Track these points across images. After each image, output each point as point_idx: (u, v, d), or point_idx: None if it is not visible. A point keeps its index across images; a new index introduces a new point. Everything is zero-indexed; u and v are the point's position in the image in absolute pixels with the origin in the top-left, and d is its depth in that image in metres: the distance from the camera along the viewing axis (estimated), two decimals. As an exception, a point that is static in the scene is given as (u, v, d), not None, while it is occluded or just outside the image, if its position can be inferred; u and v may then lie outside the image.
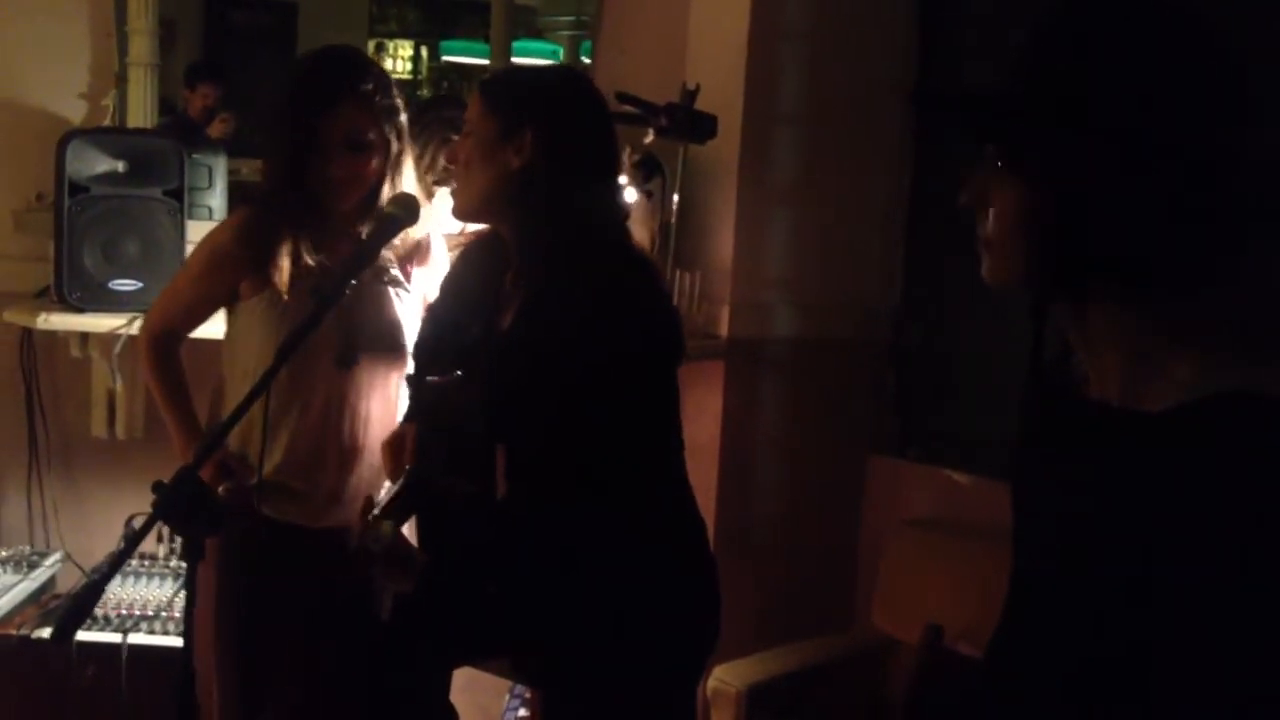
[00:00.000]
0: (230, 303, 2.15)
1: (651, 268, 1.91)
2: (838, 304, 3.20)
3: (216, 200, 2.79)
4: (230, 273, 2.11)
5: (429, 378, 1.88)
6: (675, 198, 2.84)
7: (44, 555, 2.77)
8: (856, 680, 2.94)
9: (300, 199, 2.05)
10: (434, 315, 2.03)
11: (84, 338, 2.68)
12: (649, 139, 2.70)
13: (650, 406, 1.81)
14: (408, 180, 2.12)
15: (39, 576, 2.68)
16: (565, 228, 1.77)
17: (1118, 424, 1.05)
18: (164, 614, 2.52)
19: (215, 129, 3.38)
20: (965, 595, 2.68)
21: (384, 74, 2.11)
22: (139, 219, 2.59)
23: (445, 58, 4.31)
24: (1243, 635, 0.93)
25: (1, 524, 2.93)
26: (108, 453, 2.86)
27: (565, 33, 3.96)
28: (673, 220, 2.85)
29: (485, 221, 1.89)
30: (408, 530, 1.88)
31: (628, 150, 2.72)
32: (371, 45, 4.10)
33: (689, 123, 2.65)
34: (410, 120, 2.17)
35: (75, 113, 2.88)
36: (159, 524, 1.59)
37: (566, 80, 1.97)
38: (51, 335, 2.74)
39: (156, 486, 1.48)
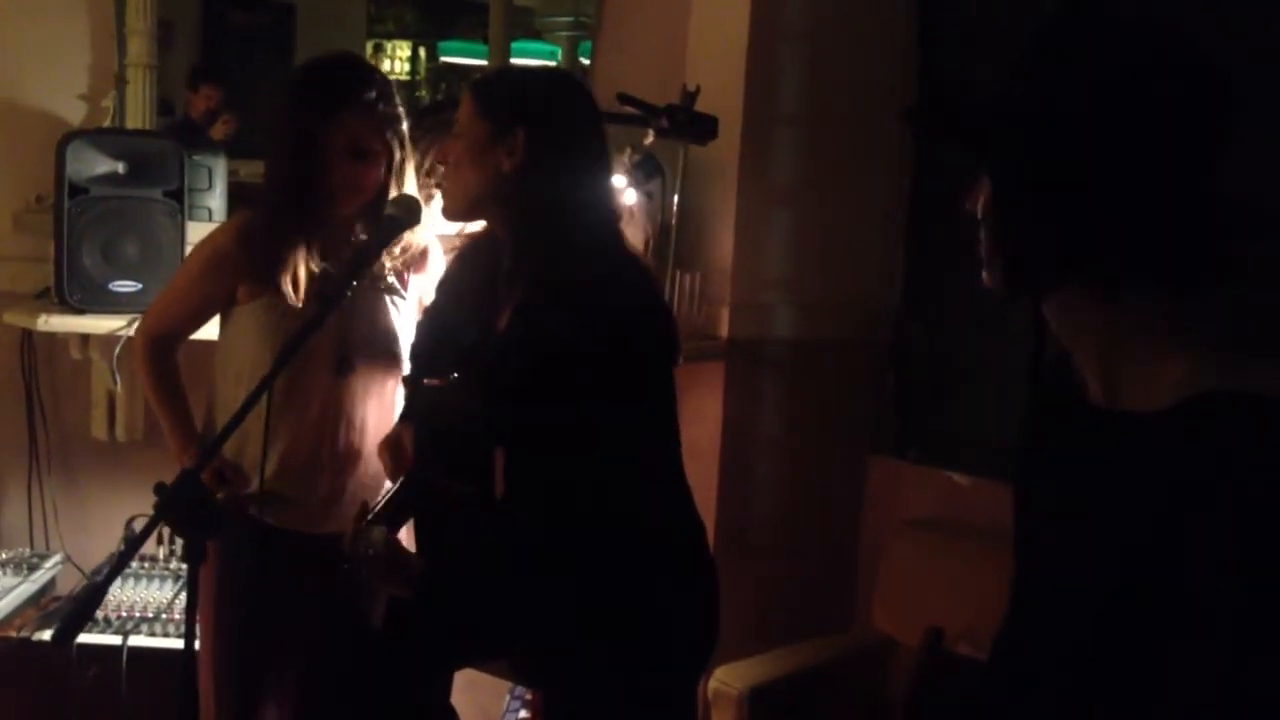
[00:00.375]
0: (227, 306, 2.14)
1: (645, 268, 1.91)
2: (838, 304, 3.20)
3: (216, 201, 2.79)
4: (229, 276, 2.10)
5: (426, 380, 1.87)
6: (675, 199, 2.84)
7: (44, 557, 2.76)
8: (857, 681, 2.94)
9: (302, 206, 2.04)
10: (431, 317, 2.03)
11: (84, 339, 2.67)
12: (649, 140, 2.70)
13: (647, 407, 1.81)
14: (409, 187, 2.12)
15: (39, 578, 2.68)
16: (558, 228, 1.77)
17: (1115, 425, 1.06)
18: (164, 616, 2.52)
19: (217, 130, 3.39)
20: (965, 596, 2.68)
21: (387, 81, 2.10)
22: (139, 220, 2.58)
23: (443, 58, 4.30)
24: (1243, 635, 0.93)
25: (1, 526, 2.93)
26: (108, 454, 2.86)
27: (563, 33, 3.95)
28: (673, 221, 2.85)
29: (474, 220, 1.89)
30: (406, 533, 1.89)
31: (628, 151, 2.72)
32: (369, 46, 4.09)
33: (689, 124, 2.65)
34: (411, 125, 2.16)
35: (75, 114, 2.87)
36: (159, 526, 1.59)
37: (557, 81, 1.98)
38: (51, 337, 2.73)
39: (158, 488, 1.47)
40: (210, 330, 2.22)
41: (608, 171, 1.89)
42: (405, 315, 2.17)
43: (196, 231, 2.48)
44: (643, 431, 1.80)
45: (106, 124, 2.84)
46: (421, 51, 4.26)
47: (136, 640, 2.44)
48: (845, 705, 2.89)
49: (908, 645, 2.85)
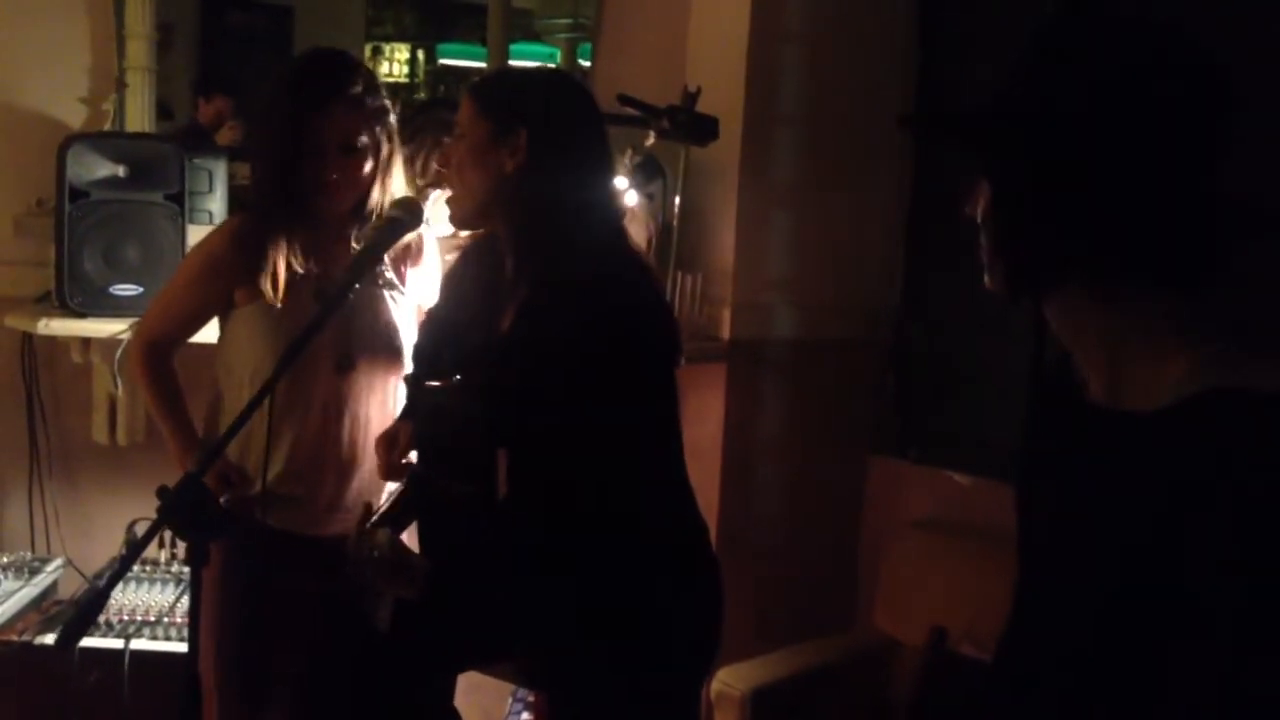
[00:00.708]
0: (225, 310, 2.14)
1: (647, 267, 1.91)
2: (838, 305, 3.21)
3: (217, 204, 2.78)
4: (225, 280, 2.10)
5: (429, 382, 1.87)
6: (676, 200, 2.84)
7: (45, 561, 2.76)
8: (859, 682, 2.94)
9: (291, 203, 2.04)
10: (433, 319, 2.03)
11: (85, 343, 2.67)
12: (650, 141, 2.70)
13: (649, 407, 1.81)
14: (398, 182, 2.12)
15: (40, 582, 2.67)
16: (560, 228, 1.77)
17: (1116, 425, 1.06)
18: (166, 620, 2.52)
19: (224, 136, 3.40)
20: (966, 596, 2.68)
21: (372, 75, 2.10)
22: (140, 224, 2.58)
23: (442, 61, 4.31)
24: (1243, 635, 0.93)
25: (3, 530, 2.92)
26: (109, 458, 2.85)
27: (562, 35, 3.95)
28: (674, 222, 2.85)
29: (483, 226, 1.89)
30: (409, 535, 1.88)
31: (629, 152, 2.72)
32: (368, 49, 4.09)
33: (691, 125, 2.65)
34: (403, 123, 2.16)
35: (75, 117, 2.87)
36: (162, 529, 1.59)
37: (557, 81, 2.00)
38: (52, 340, 2.73)
39: (161, 491, 1.47)
40: (209, 333, 2.22)
41: (610, 171, 1.90)
42: (404, 309, 2.16)
43: (197, 234, 2.48)
44: (644, 432, 1.80)
45: (107, 127, 2.84)
46: (420, 54, 4.26)
47: (138, 644, 2.44)
48: (847, 706, 2.89)
49: (909, 646, 2.85)
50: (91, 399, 2.80)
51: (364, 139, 2.04)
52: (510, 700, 2.80)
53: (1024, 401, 1.46)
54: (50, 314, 2.61)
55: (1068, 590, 1.08)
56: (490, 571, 1.75)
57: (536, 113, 1.78)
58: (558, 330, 1.71)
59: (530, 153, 1.76)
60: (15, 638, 2.48)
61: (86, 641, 2.36)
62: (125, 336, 2.54)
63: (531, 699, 2.63)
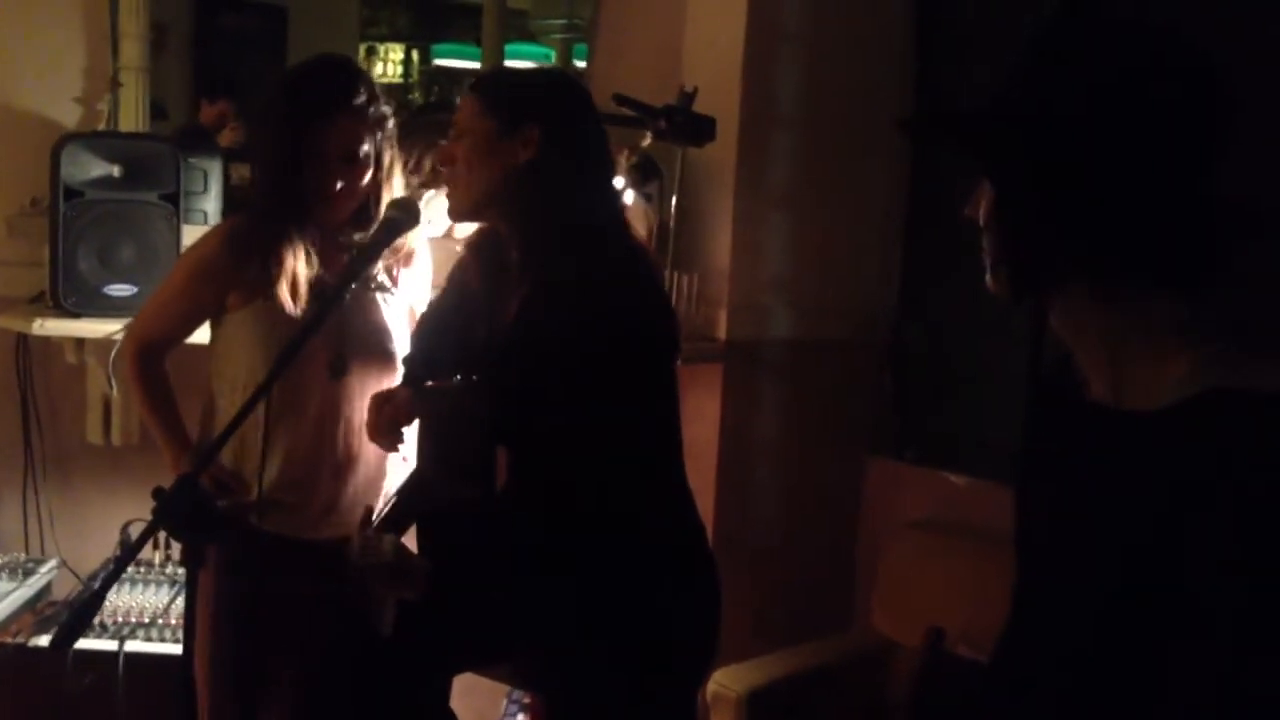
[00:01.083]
0: (217, 314, 2.13)
1: (650, 262, 1.93)
2: (835, 306, 3.20)
3: (212, 205, 2.78)
4: (218, 284, 2.09)
5: (429, 383, 1.87)
6: (673, 200, 2.84)
7: (39, 562, 2.75)
8: (856, 683, 2.93)
9: (293, 211, 2.03)
10: (434, 318, 2.02)
11: (79, 343, 2.66)
12: (647, 142, 2.70)
13: (649, 405, 1.80)
14: (398, 189, 2.11)
15: (34, 584, 2.66)
16: (569, 221, 1.77)
17: (1116, 425, 1.06)
18: (160, 621, 2.51)
19: (225, 137, 3.40)
20: (964, 597, 2.67)
21: (374, 84, 2.09)
22: (134, 223, 2.57)
23: (436, 61, 4.31)
24: (1243, 634, 0.93)
25: (-4, 531, 2.92)
26: (103, 459, 2.84)
27: (557, 36, 3.96)
28: (671, 222, 2.85)
29: (483, 219, 1.89)
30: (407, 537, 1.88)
31: (625, 153, 2.72)
32: (362, 49, 4.09)
33: (687, 126, 2.64)
34: (399, 126, 2.16)
35: (69, 117, 2.86)
36: (157, 531, 1.58)
37: (561, 79, 2.03)
38: (46, 341, 2.72)
39: (156, 493, 1.47)
40: (200, 335, 2.21)
41: (612, 168, 1.91)
42: (396, 312, 2.16)
43: (192, 235, 2.47)
44: (644, 431, 1.80)
45: (101, 127, 2.83)
46: (414, 54, 4.26)
47: (133, 645, 2.43)
48: (844, 707, 2.88)
49: (907, 646, 2.84)
50: (86, 399, 2.79)
51: (366, 148, 2.04)
52: (505, 702, 2.80)
53: (1022, 402, 1.46)
54: (44, 314, 2.59)
55: (1067, 590, 1.08)
56: (490, 571, 1.74)
57: (546, 109, 1.80)
58: (559, 329, 1.71)
59: (543, 146, 1.76)
60: (9, 639, 2.47)
61: (80, 643, 2.34)
62: (120, 337, 2.54)
63: (527, 700, 2.63)
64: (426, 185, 2.58)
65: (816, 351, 3.16)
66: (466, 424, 1.78)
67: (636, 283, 1.80)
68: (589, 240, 1.77)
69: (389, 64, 4.23)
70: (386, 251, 2.10)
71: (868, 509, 3.31)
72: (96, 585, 1.64)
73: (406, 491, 1.83)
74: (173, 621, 2.50)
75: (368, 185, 2.06)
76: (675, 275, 2.87)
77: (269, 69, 3.58)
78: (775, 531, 3.14)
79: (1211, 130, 1.03)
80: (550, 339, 1.71)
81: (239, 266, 2.06)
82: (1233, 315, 1.06)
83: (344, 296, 1.78)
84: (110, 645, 2.42)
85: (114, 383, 2.64)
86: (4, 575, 2.67)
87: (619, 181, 2.58)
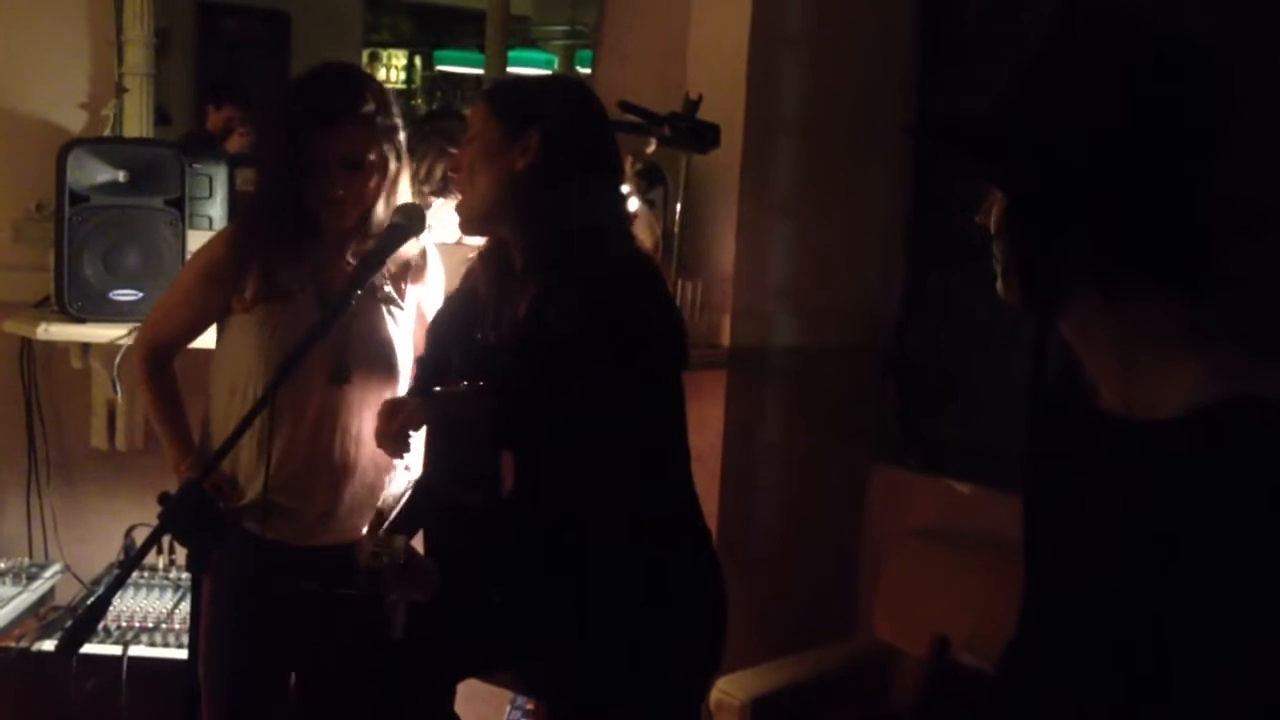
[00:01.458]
0: (223, 316, 2.14)
1: (655, 268, 1.92)
2: (839, 312, 3.20)
3: (217, 210, 2.79)
4: (224, 286, 2.09)
5: (436, 388, 1.87)
6: (678, 207, 2.84)
7: (43, 567, 2.75)
8: (859, 691, 2.93)
9: (287, 215, 2.04)
10: (441, 325, 2.02)
11: (84, 348, 2.67)
12: (651, 148, 2.70)
13: (656, 413, 1.80)
14: (403, 196, 2.11)
15: (38, 588, 2.66)
16: (571, 227, 1.77)
17: (1126, 433, 1.06)
18: (164, 626, 2.51)
19: (233, 143, 3.40)
20: (968, 605, 2.67)
21: (383, 92, 2.09)
22: (140, 229, 2.58)
23: (439, 67, 4.30)
24: (1261, 646, 0.93)
25: (0, 535, 2.91)
26: (107, 464, 2.85)
27: (560, 42, 3.96)
28: (675, 229, 2.85)
29: (491, 233, 1.89)
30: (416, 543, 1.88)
31: (630, 159, 2.72)
32: (365, 55, 4.08)
33: (692, 132, 2.65)
34: (409, 134, 2.16)
35: (75, 122, 2.87)
36: (162, 535, 1.58)
37: (569, 85, 2.03)
38: (51, 345, 2.73)
39: (162, 498, 1.47)
40: (207, 338, 2.21)
41: (620, 175, 1.91)
42: (403, 326, 2.16)
43: (197, 240, 2.48)
44: (651, 434, 1.80)
45: (106, 133, 2.84)
46: (417, 60, 4.25)
47: (137, 650, 2.43)
48: (847, 715, 2.88)
49: (911, 655, 2.84)
50: (90, 404, 2.80)
51: (371, 156, 2.04)
52: (509, 709, 2.80)
53: (1026, 410, 1.46)
54: (49, 319, 2.60)
55: (1078, 600, 1.08)
56: (496, 576, 1.74)
57: (548, 114, 1.80)
58: (565, 333, 1.71)
59: (541, 152, 1.77)
60: (13, 644, 2.47)
61: (84, 648, 2.34)
62: (125, 342, 2.54)
63: (530, 706, 2.62)
64: (436, 193, 2.58)
65: (820, 358, 3.16)
66: (473, 428, 1.78)
67: (641, 285, 1.80)
68: (590, 245, 1.77)
69: (392, 70, 4.23)
70: (391, 261, 2.11)
71: (871, 516, 3.31)
72: (100, 590, 1.64)
73: (414, 495, 1.83)
74: (176, 626, 2.50)
75: (372, 192, 2.06)
76: (679, 281, 2.87)
77: (271, 75, 3.57)
78: (778, 538, 3.14)
79: (1216, 130, 1.03)
80: (556, 344, 1.71)
81: (242, 270, 2.06)
82: (1241, 318, 1.06)
83: (350, 302, 1.78)
84: (114, 650, 2.42)
85: (118, 387, 2.65)
86: (8, 580, 2.67)
87: (623, 189, 2.59)
